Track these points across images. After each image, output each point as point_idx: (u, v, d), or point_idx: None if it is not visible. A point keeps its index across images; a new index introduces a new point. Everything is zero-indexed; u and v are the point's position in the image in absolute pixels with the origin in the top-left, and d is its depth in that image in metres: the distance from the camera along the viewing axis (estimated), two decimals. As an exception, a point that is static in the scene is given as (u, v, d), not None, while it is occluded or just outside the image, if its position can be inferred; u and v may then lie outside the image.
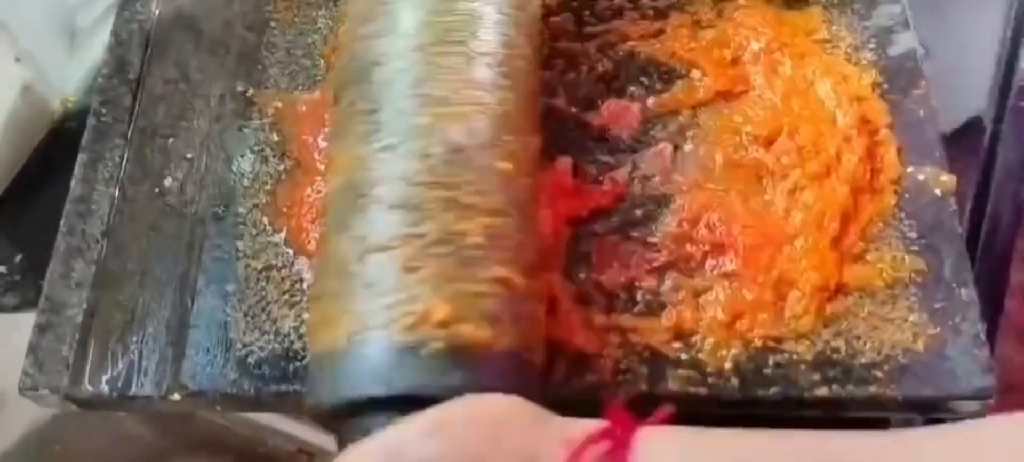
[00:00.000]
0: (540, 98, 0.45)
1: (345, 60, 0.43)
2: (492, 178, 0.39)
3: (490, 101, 0.40)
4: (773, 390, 0.42)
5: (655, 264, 0.45)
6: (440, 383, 0.35)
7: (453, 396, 0.34)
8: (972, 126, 0.55)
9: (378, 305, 0.36)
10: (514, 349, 0.37)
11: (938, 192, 0.46)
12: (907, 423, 0.46)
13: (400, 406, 0.34)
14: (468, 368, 0.36)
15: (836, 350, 0.43)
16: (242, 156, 0.50)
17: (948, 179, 0.46)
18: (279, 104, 0.51)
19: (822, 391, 0.42)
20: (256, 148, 0.50)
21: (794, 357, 0.43)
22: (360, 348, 0.36)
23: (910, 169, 0.47)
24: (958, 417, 0.43)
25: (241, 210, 0.48)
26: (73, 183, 0.49)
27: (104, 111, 0.51)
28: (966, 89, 0.57)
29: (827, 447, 0.34)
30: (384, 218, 0.38)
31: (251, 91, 0.52)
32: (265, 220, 0.48)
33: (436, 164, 0.38)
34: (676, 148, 0.48)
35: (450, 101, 0.40)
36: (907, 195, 0.46)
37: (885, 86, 0.50)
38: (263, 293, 0.46)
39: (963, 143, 0.54)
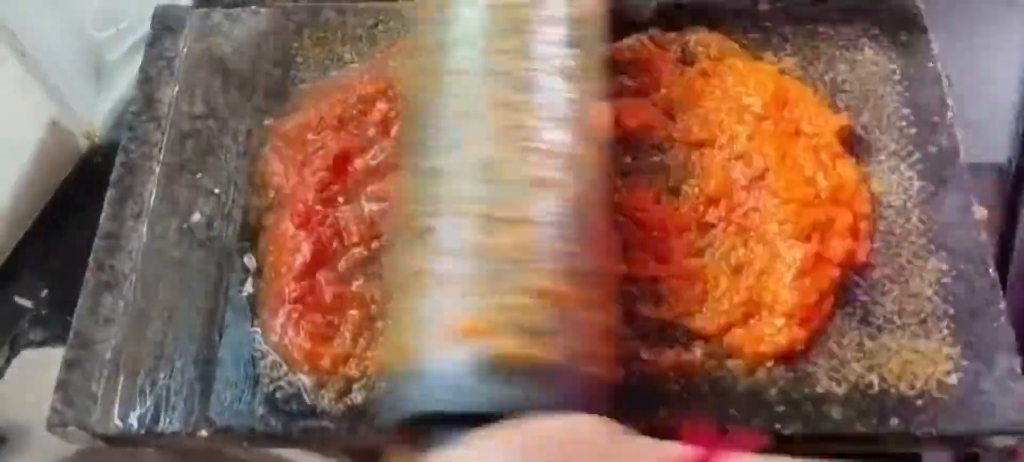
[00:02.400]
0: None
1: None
2: (526, 187, 0.39)
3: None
4: (801, 426, 0.42)
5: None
6: (503, 399, 0.34)
7: (519, 411, 0.34)
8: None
9: (437, 322, 0.36)
10: (578, 363, 0.36)
11: (969, 224, 0.46)
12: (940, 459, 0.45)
13: (468, 422, 0.34)
14: (529, 383, 0.35)
15: (870, 385, 0.42)
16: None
17: (979, 211, 0.46)
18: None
19: (856, 427, 0.41)
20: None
21: (827, 392, 0.42)
22: (424, 365, 0.36)
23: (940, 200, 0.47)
24: (994, 452, 0.42)
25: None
26: (102, 219, 0.50)
27: (132, 147, 0.52)
28: (992, 120, 0.56)
29: None
30: (438, 237, 0.38)
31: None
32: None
33: (475, 179, 0.39)
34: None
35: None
36: (937, 227, 0.46)
37: (912, 117, 0.50)
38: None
39: (991, 173, 0.54)
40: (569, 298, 0.37)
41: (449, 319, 0.36)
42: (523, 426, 0.33)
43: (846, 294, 0.45)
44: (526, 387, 0.35)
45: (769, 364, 0.43)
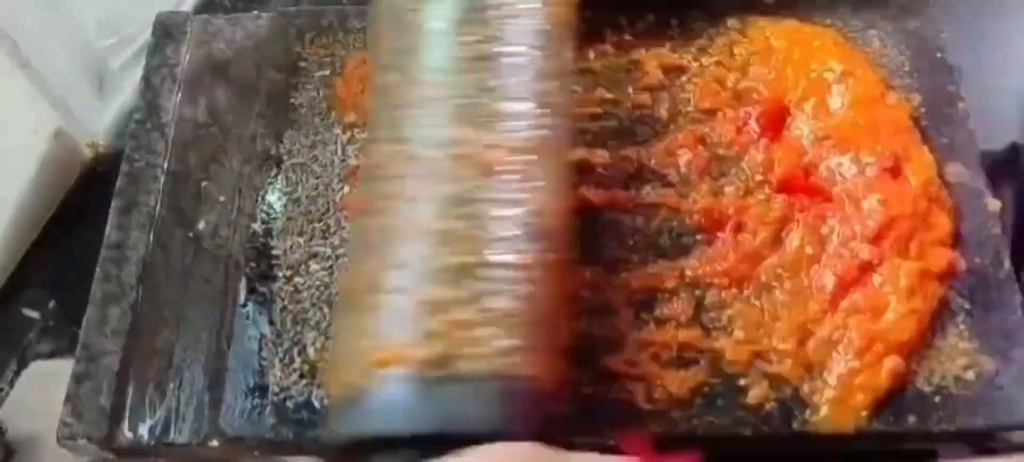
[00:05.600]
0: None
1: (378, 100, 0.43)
2: (505, 202, 0.38)
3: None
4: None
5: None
6: (458, 419, 0.34)
7: (470, 431, 0.33)
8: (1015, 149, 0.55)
9: (393, 339, 0.36)
10: (532, 378, 0.36)
11: (984, 217, 0.45)
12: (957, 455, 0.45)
13: (417, 444, 0.34)
14: (486, 401, 0.35)
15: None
16: (275, 197, 0.50)
17: (993, 203, 0.46)
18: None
19: (873, 424, 0.41)
20: (287, 189, 0.50)
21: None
22: (376, 384, 0.35)
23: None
24: (1012, 447, 0.42)
25: (276, 252, 0.48)
26: (107, 229, 0.49)
27: (137, 156, 0.52)
28: (1003, 109, 0.56)
29: None
30: (400, 250, 0.37)
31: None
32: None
33: (453, 196, 0.38)
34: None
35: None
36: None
37: (923, 109, 0.49)
38: (299, 337, 0.45)
39: (1004, 165, 0.53)
40: (519, 310, 0.36)
41: (393, 336, 0.36)
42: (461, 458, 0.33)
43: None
44: (469, 405, 0.34)
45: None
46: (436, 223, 0.37)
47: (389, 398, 0.35)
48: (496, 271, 0.37)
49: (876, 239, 0.44)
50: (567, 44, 0.42)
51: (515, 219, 0.38)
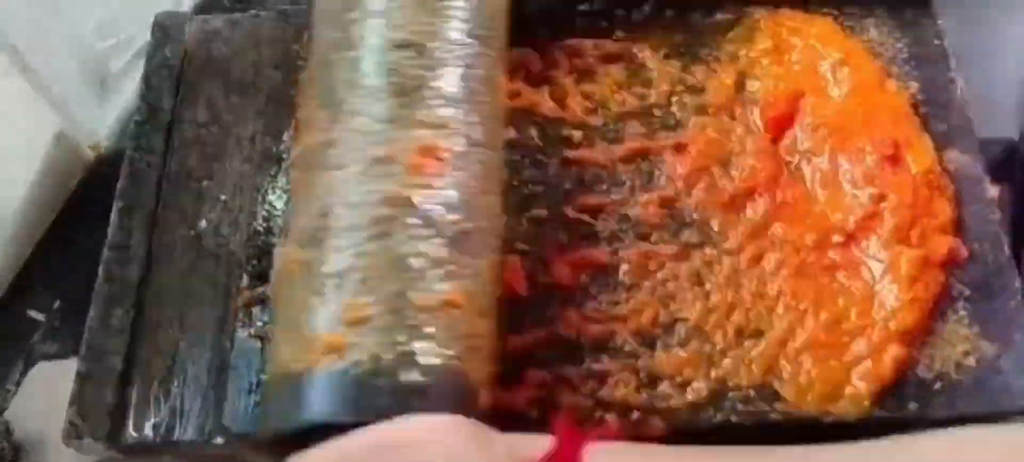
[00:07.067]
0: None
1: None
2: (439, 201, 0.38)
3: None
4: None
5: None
6: (373, 409, 0.34)
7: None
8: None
9: (311, 332, 0.36)
10: (454, 373, 0.36)
11: (983, 203, 0.45)
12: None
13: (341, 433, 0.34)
14: (401, 392, 0.35)
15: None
16: (276, 196, 0.50)
17: (991, 189, 0.46)
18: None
19: (873, 412, 0.41)
20: (288, 187, 0.50)
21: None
22: (298, 376, 0.36)
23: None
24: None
25: (277, 249, 0.48)
26: (110, 230, 0.50)
27: (138, 157, 0.52)
28: (1002, 95, 0.56)
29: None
30: (328, 243, 0.38)
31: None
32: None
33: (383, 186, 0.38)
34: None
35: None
36: (950, 207, 0.46)
37: (921, 97, 0.49)
38: (302, 333, 0.46)
39: (1000, 150, 0.54)
40: (459, 309, 0.36)
41: (328, 326, 0.36)
42: (366, 436, 0.33)
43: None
44: (403, 398, 0.34)
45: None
46: (355, 218, 0.37)
47: (328, 388, 0.35)
48: (414, 263, 0.37)
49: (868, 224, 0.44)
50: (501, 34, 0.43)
51: (444, 215, 0.38)
